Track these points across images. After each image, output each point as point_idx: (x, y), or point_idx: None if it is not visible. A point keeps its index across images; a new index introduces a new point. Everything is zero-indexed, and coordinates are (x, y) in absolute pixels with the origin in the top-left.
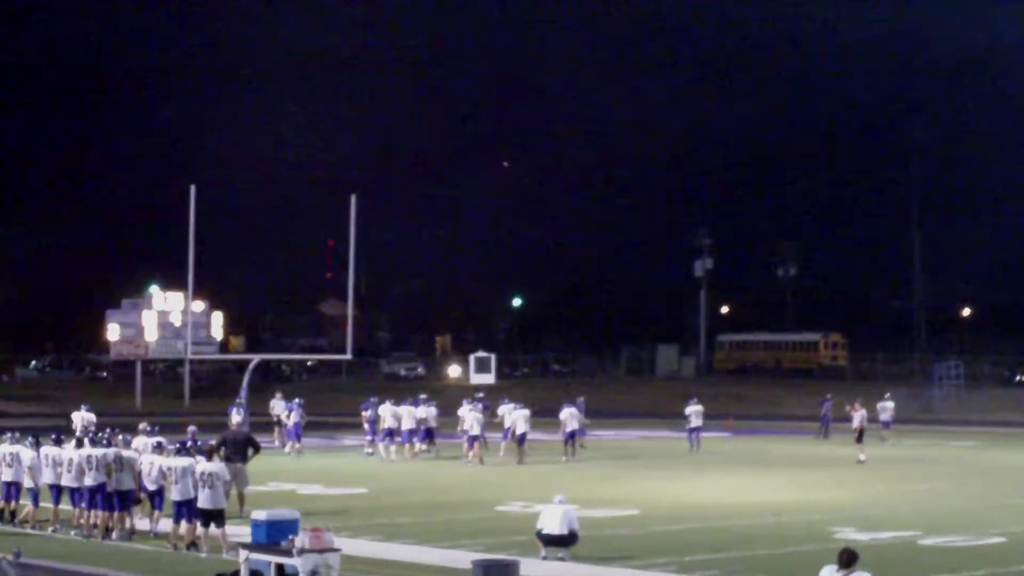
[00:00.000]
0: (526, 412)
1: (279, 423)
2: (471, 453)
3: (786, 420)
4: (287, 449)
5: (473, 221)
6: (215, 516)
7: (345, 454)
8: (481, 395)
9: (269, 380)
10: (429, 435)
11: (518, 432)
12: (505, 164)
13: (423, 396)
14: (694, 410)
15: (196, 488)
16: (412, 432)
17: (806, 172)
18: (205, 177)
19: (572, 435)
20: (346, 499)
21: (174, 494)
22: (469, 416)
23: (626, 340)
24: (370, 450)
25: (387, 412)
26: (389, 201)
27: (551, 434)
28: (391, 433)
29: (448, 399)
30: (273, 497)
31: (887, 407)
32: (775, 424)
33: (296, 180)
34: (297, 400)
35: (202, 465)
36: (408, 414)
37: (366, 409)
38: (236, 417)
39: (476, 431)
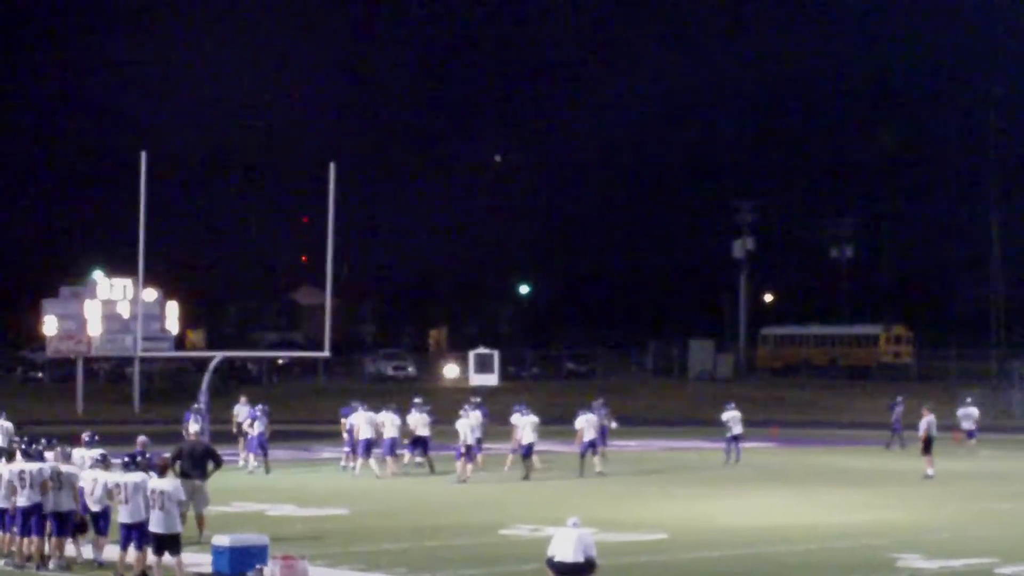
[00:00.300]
0: (533, 419)
1: (242, 433)
2: (468, 467)
3: (841, 428)
4: (249, 464)
5: (474, 195)
6: (169, 542)
7: (322, 469)
8: (478, 399)
9: (233, 382)
10: (422, 446)
11: (524, 442)
12: (497, 158)
13: (417, 400)
14: (732, 416)
15: (147, 509)
16: (394, 443)
17: (864, 137)
18: (158, 143)
19: (592, 446)
20: (323, 522)
21: (122, 516)
22: (460, 423)
23: (653, 334)
24: (348, 464)
25: (362, 420)
26: (375, 172)
27: (565, 444)
28: (369, 445)
29: (444, 404)
30: (237, 519)
31: (970, 414)
32: (828, 433)
33: (265, 147)
34: (260, 406)
35: (154, 482)
36: (390, 422)
37: (347, 415)
38: (194, 426)
39: (469, 441)
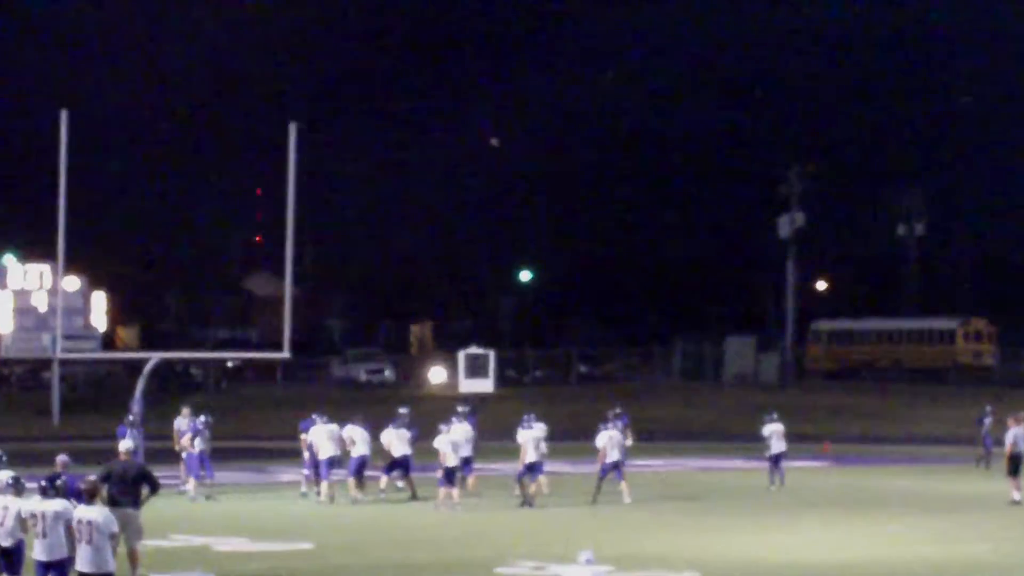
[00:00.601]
0: (537, 433)
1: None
2: (453, 492)
3: (907, 443)
4: (190, 490)
5: (465, 165)
6: None
7: (280, 494)
8: (466, 409)
9: (173, 389)
10: (403, 467)
11: (527, 459)
12: (494, 142)
13: (402, 411)
14: (774, 430)
15: (71, 544)
16: (363, 462)
17: (940, 90)
18: (81, 102)
19: (617, 468)
20: (282, 559)
21: (38, 552)
22: (439, 441)
23: (681, 331)
24: (310, 489)
25: (323, 436)
26: (345, 136)
27: (575, 464)
28: (332, 465)
29: (428, 416)
30: (178, 556)
31: None
32: (892, 449)
33: (212, 106)
34: (203, 418)
35: (80, 511)
36: (360, 438)
37: (306, 430)
38: (127, 442)
39: (451, 462)
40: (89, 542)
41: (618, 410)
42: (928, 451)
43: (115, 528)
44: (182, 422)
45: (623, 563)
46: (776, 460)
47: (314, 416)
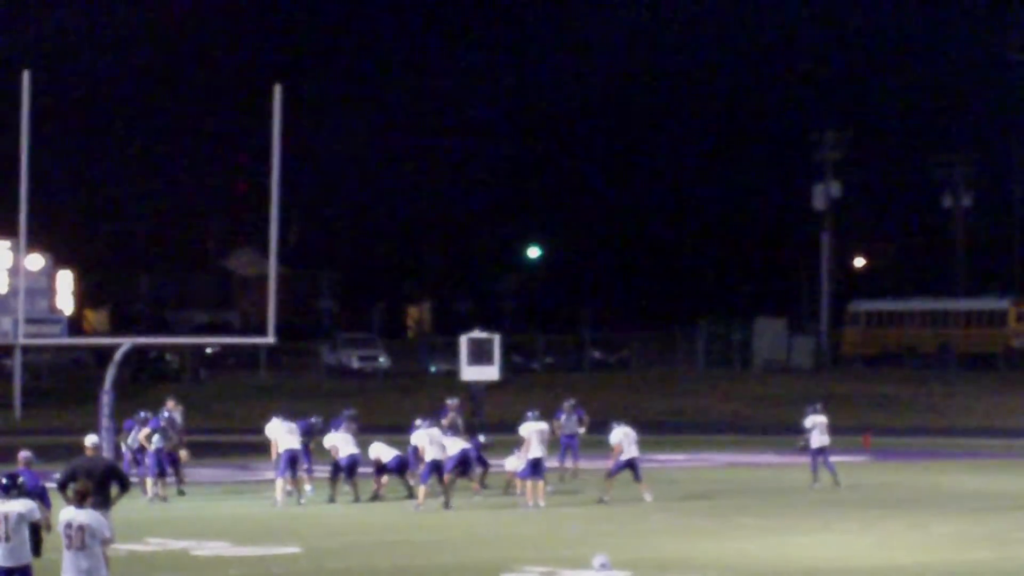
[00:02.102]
0: (543, 427)
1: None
2: (420, 492)
3: (955, 435)
4: (148, 491)
5: (467, 130)
6: None
7: (264, 493)
8: (454, 401)
9: (147, 377)
10: (400, 466)
11: (530, 455)
12: None
13: (418, 423)
14: (817, 422)
15: (35, 547)
16: (353, 465)
17: (987, 49)
18: (46, 63)
19: (631, 465)
20: (266, 564)
21: (1, 558)
22: (419, 435)
23: (706, 312)
24: (294, 487)
25: (279, 430)
26: (336, 99)
27: (588, 459)
28: (293, 460)
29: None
30: (154, 561)
31: None
32: (937, 442)
33: (189, 65)
34: (165, 413)
35: (70, 514)
36: (344, 441)
37: (337, 426)
38: (93, 437)
39: (435, 454)
40: (81, 548)
41: (573, 401)
42: (978, 444)
43: (108, 533)
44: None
45: (640, 568)
46: (818, 455)
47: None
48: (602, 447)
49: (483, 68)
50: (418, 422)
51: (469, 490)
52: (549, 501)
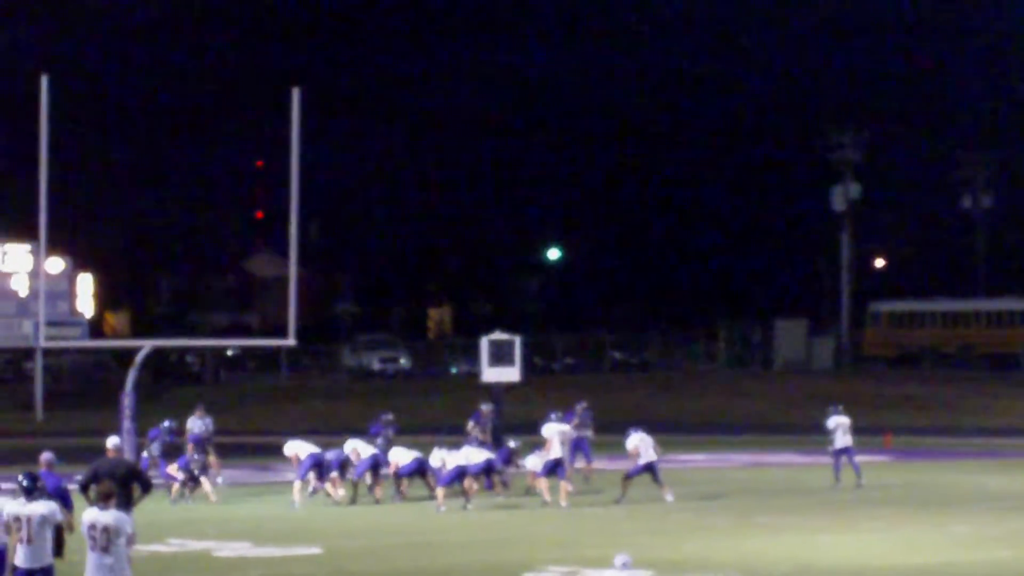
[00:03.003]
0: (565, 428)
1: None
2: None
3: (977, 436)
4: (172, 495)
5: (488, 131)
6: None
7: (285, 494)
8: (488, 407)
9: (168, 380)
10: (420, 469)
11: (551, 456)
12: None
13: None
14: (839, 423)
15: (57, 548)
16: (375, 465)
17: (1008, 51)
18: (64, 67)
19: (651, 470)
20: (288, 564)
21: (21, 559)
22: (435, 456)
23: (726, 314)
24: (318, 486)
25: (298, 447)
26: (355, 102)
27: (611, 460)
28: (318, 464)
29: (450, 411)
30: (176, 562)
31: None
32: (959, 442)
33: (208, 69)
34: (167, 422)
35: (93, 514)
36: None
37: (376, 433)
38: (115, 438)
39: (459, 461)
40: (105, 549)
41: (584, 404)
42: (1000, 444)
43: (131, 529)
44: (195, 422)
45: (662, 567)
46: (841, 454)
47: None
48: (619, 448)
49: (505, 68)
50: (435, 449)
51: (491, 492)
52: (571, 501)
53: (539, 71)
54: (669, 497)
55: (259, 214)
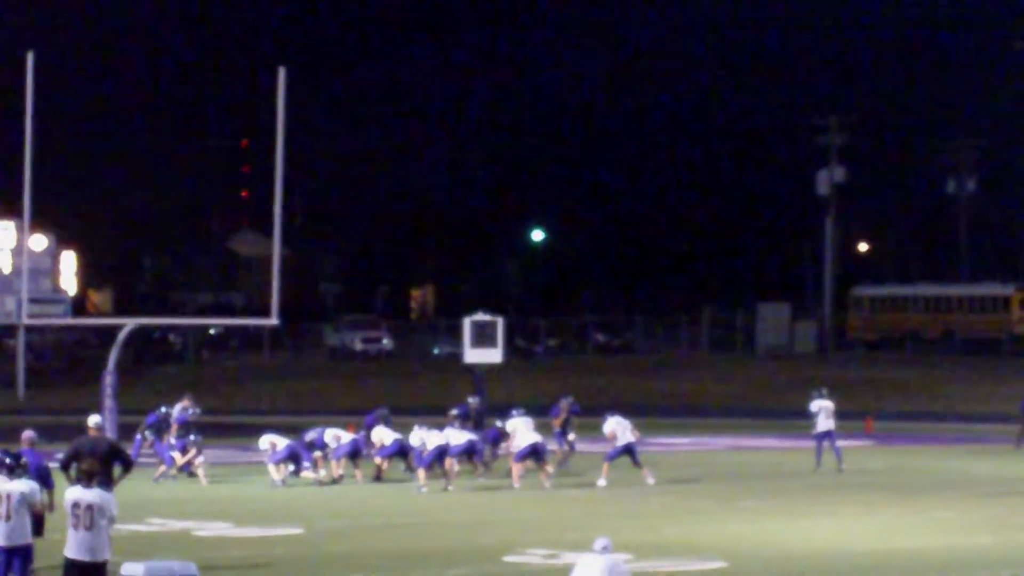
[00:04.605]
0: (527, 419)
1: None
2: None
3: (959, 421)
4: (158, 473)
5: (472, 112)
6: (96, 574)
7: (266, 475)
8: (475, 400)
9: (150, 359)
10: (401, 450)
11: (526, 442)
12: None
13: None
14: (822, 406)
15: (37, 527)
16: (354, 449)
17: (990, 35)
18: (49, 41)
19: (629, 450)
20: (269, 545)
21: (2, 536)
22: (415, 435)
23: (709, 296)
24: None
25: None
26: (339, 81)
27: (592, 442)
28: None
29: (433, 391)
30: (156, 541)
31: None
32: (941, 427)
33: (193, 46)
34: (163, 408)
35: (76, 493)
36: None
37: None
38: (96, 417)
39: (439, 442)
40: (88, 527)
41: (571, 398)
42: (980, 430)
43: (115, 510)
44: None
45: (643, 551)
46: (823, 438)
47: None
48: (599, 431)
49: (489, 50)
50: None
51: (471, 473)
52: (554, 483)
53: (523, 53)
54: (650, 480)
55: (244, 194)
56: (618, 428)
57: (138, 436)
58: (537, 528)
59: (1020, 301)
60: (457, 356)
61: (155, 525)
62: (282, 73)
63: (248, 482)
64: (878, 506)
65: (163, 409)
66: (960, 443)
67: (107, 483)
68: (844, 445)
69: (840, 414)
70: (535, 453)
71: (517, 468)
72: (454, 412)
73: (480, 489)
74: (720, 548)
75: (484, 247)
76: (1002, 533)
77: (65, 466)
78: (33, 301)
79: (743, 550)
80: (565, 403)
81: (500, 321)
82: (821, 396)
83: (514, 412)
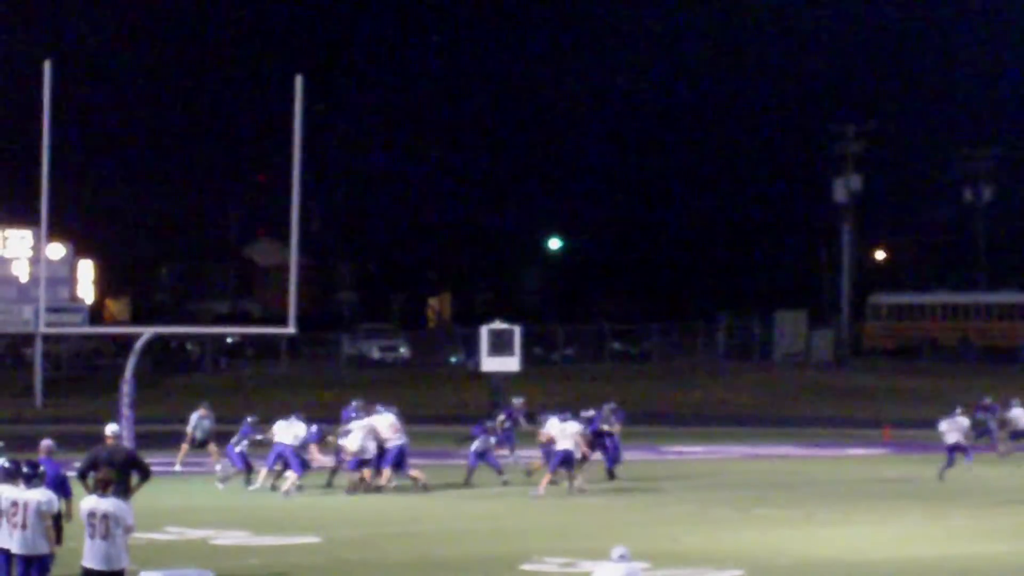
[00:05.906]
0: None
1: (194, 443)
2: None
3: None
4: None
5: (489, 120)
6: None
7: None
8: (520, 400)
9: (167, 368)
10: (398, 459)
11: (560, 447)
12: None
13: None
14: (955, 424)
15: (57, 536)
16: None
17: (1009, 44)
18: (67, 50)
19: (566, 459)
20: (286, 553)
21: (15, 545)
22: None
23: (725, 304)
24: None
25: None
26: (356, 90)
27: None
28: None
29: (450, 400)
30: (173, 550)
31: None
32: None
33: (211, 55)
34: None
35: (92, 502)
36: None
37: (347, 419)
38: (113, 426)
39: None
40: (104, 537)
41: (613, 404)
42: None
43: (131, 520)
44: (199, 422)
45: (660, 560)
46: (954, 451)
47: (354, 403)
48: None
49: (507, 58)
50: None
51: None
52: (571, 491)
53: (541, 62)
54: (582, 485)
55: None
56: (556, 432)
57: (237, 450)
58: (554, 536)
59: None
60: (465, 365)
61: (173, 533)
62: (299, 81)
63: (266, 490)
64: (895, 514)
65: (249, 419)
66: (977, 451)
67: (123, 492)
68: (862, 453)
69: (857, 422)
70: (566, 462)
71: (547, 478)
72: (502, 417)
73: (497, 497)
74: (737, 557)
75: (501, 255)
76: (1019, 541)
77: (83, 475)
78: (51, 310)
79: (760, 559)
80: (607, 408)
81: (517, 329)
82: (956, 415)
83: (559, 418)
